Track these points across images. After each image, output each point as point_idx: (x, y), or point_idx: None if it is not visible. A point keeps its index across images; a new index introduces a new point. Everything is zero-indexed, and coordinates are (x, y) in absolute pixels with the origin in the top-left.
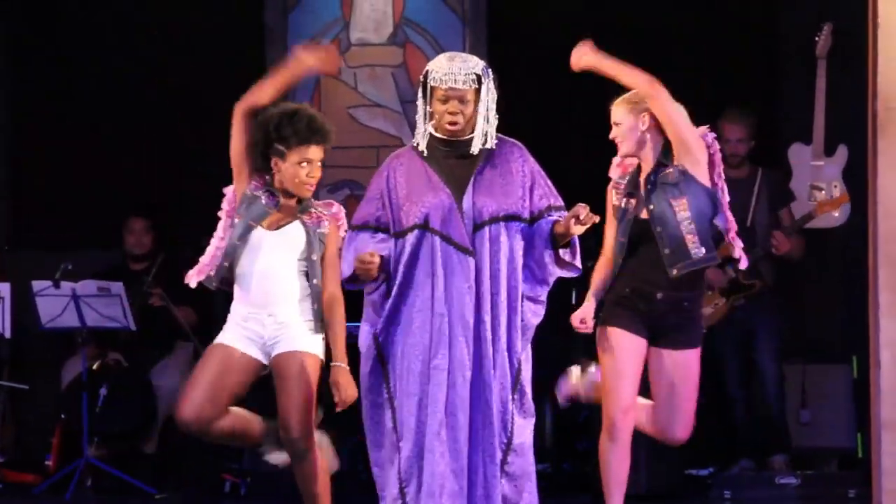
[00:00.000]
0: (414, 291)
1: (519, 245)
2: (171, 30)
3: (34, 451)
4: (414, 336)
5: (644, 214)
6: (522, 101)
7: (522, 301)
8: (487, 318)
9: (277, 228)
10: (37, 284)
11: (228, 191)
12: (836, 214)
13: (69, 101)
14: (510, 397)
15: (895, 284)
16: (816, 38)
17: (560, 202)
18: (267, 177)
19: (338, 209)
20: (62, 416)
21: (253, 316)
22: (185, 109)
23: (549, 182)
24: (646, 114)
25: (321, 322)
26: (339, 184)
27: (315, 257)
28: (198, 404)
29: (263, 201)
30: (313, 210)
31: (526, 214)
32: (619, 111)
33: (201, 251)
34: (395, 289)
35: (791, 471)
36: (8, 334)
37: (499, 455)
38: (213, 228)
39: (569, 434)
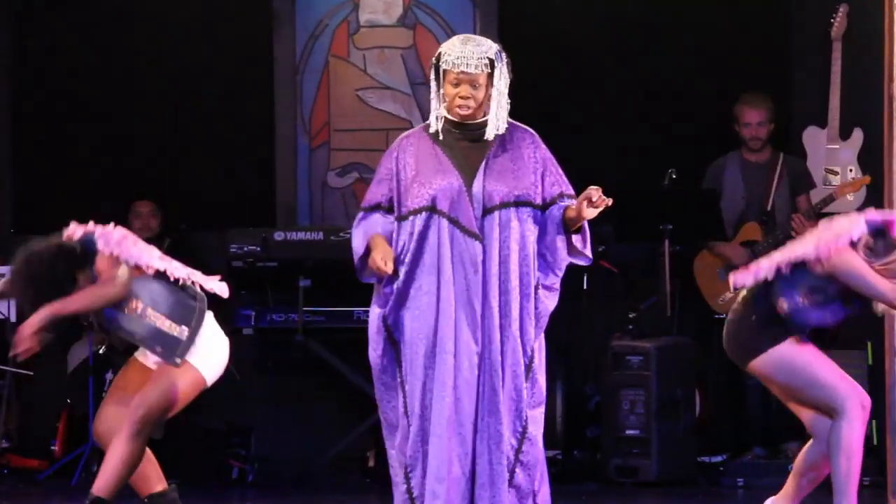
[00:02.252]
0: (421, 274)
1: (531, 231)
2: (179, 13)
3: (40, 436)
4: (420, 319)
5: None
6: (533, 82)
7: (537, 289)
8: (496, 304)
9: None
10: None
11: None
12: (851, 198)
13: (74, 84)
14: (523, 385)
15: None
16: (832, 20)
17: (571, 191)
18: None
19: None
20: (68, 400)
21: None
22: (191, 93)
23: (560, 170)
24: None
25: None
26: (347, 167)
27: None
28: None
29: None
30: None
31: (538, 200)
32: None
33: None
34: (402, 271)
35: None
36: (13, 318)
37: (510, 443)
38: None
39: (579, 421)
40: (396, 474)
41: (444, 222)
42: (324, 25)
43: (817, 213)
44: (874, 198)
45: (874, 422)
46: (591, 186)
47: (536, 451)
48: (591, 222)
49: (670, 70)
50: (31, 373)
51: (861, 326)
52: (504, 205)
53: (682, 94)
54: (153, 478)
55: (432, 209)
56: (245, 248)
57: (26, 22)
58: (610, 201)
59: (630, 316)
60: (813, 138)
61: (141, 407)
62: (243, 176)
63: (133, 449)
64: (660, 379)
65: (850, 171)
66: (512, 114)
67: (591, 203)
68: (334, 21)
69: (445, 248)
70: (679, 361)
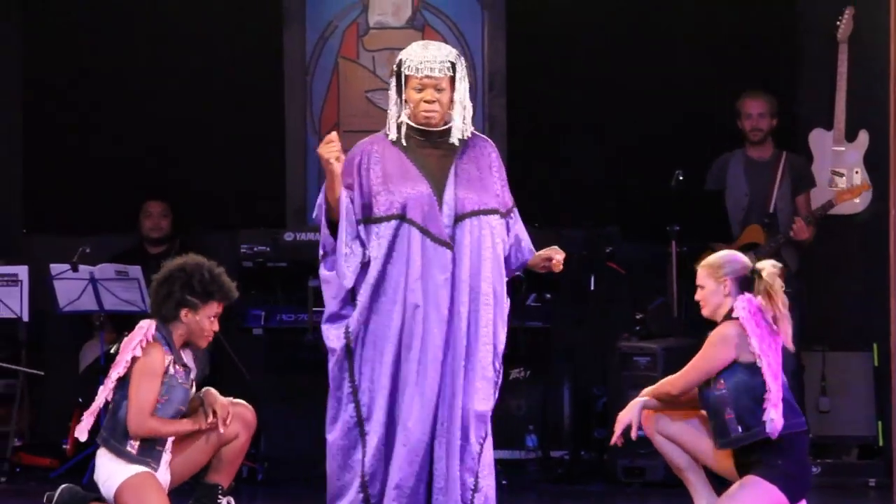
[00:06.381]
0: (388, 282)
1: (500, 239)
2: (189, 13)
3: (51, 435)
4: (386, 328)
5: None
6: (540, 84)
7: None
8: (464, 311)
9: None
10: (55, 268)
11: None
12: (857, 201)
13: (86, 84)
14: (492, 392)
15: None
16: (837, 22)
17: (512, 202)
18: (157, 323)
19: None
20: (80, 399)
21: None
22: (202, 92)
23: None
24: (727, 279)
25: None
26: None
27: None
28: None
29: (180, 379)
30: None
31: (503, 209)
32: (701, 273)
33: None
34: (371, 279)
35: (811, 459)
36: (26, 318)
37: (475, 449)
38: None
39: (587, 422)
40: (341, 490)
41: (415, 231)
42: (333, 27)
43: (817, 219)
44: (880, 199)
45: (879, 423)
46: (558, 253)
47: (489, 453)
48: (596, 222)
49: (679, 71)
50: (43, 372)
51: (867, 328)
52: (474, 213)
53: (691, 96)
54: None
55: (402, 217)
56: (255, 249)
57: (36, 19)
58: (560, 267)
59: (637, 317)
60: (819, 140)
61: None
62: (253, 176)
63: None
64: None
65: (856, 172)
66: (521, 113)
67: (549, 265)
68: (344, 22)
69: (415, 257)
70: (685, 362)
